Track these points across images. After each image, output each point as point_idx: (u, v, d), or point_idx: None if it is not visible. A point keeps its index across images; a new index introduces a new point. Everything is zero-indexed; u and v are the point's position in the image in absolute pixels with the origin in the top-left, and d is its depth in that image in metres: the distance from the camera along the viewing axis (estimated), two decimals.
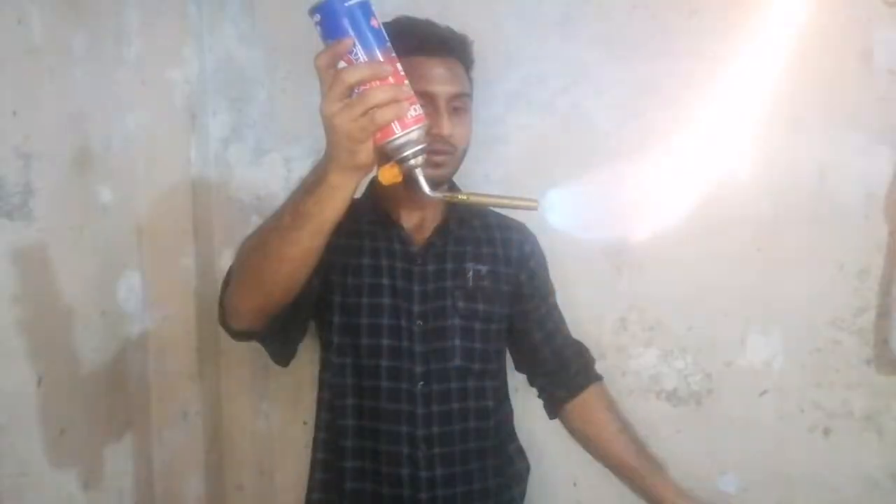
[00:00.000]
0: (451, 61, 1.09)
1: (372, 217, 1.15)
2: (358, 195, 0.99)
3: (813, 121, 1.33)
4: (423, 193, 0.84)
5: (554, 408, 1.27)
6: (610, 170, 1.37)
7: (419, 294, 1.12)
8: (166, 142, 1.35)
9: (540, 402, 1.30)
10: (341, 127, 0.75)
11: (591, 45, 1.37)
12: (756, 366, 1.37)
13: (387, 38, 0.79)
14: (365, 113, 0.74)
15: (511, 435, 1.23)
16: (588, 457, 1.41)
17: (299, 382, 1.44)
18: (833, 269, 1.34)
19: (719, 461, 1.38)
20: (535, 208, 0.87)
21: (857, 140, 1.32)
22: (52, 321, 1.10)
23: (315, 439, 1.16)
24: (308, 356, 1.25)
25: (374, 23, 0.78)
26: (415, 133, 0.79)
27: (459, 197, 0.90)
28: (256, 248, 0.92)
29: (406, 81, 0.79)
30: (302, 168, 1.43)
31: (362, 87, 0.75)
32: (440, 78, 1.06)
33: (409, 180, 0.83)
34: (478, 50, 1.16)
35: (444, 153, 1.07)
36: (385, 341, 1.10)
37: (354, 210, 0.90)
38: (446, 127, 1.06)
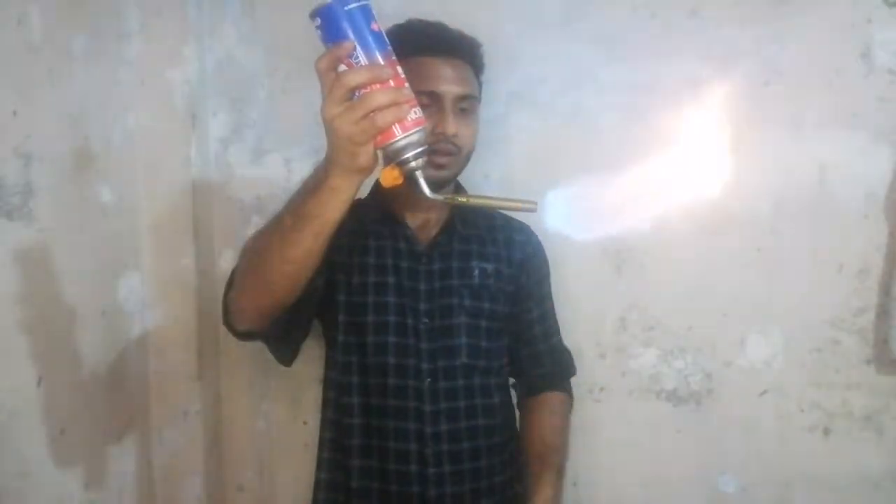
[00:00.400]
0: (459, 63, 1.10)
1: (377, 216, 1.16)
2: (363, 195, 1.00)
3: (812, 121, 1.33)
4: (424, 195, 0.84)
5: (518, 399, 1.28)
6: (610, 170, 1.37)
7: (425, 292, 1.12)
8: (166, 142, 1.35)
9: None
10: (342, 130, 0.76)
11: (592, 45, 1.37)
12: (756, 366, 1.37)
13: (387, 41, 0.80)
14: (366, 116, 0.75)
15: (516, 433, 1.23)
16: (588, 457, 1.41)
17: (299, 382, 1.44)
18: (833, 268, 1.34)
19: (719, 461, 1.38)
20: (533, 210, 0.88)
21: (857, 140, 1.32)
22: (52, 321, 1.10)
23: (320, 439, 1.17)
24: (308, 356, 1.24)
25: (374, 26, 0.78)
26: (415, 136, 0.80)
27: (459, 199, 0.91)
28: (259, 250, 0.93)
29: (406, 84, 0.80)
30: (302, 168, 1.43)
31: (363, 91, 0.76)
32: (448, 78, 1.07)
33: (410, 182, 0.83)
34: None
35: (448, 154, 1.08)
36: (391, 339, 1.11)
37: (359, 209, 0.91)
38: (451, 127, 1.06)
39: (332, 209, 0.83)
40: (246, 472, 1.48)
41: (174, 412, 1.38)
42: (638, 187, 1.37)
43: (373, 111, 0.75)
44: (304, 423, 1.46)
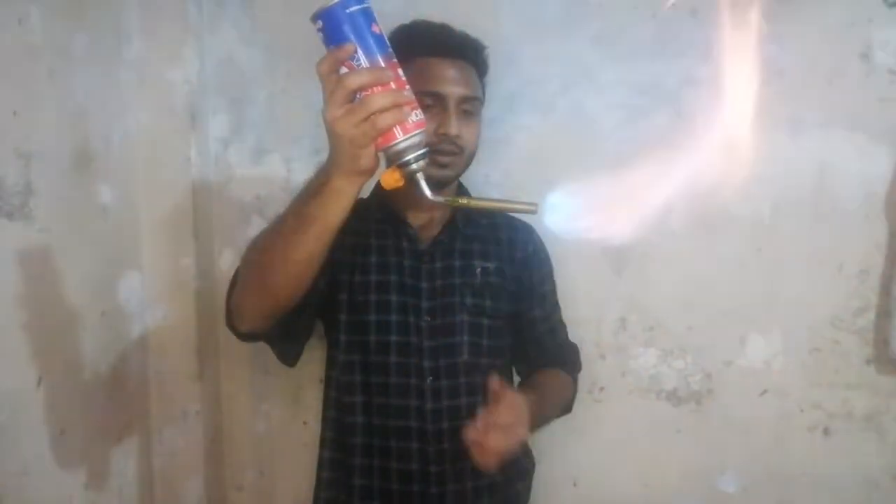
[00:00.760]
0: (463, 65, 1.11)
1: (379, 216, 1.17)
2: (366, 194, 1.00)
3: (813, 121, 1.33)
4: (425, 197, 0.85)
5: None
6: (610, 170, 1.37)
7: (427, 290, 1.13)
8: (166, 142, 1.35)
9: None
10: (344, 132, 0.76)
11: (592, 45, 1.37)
12: (756, 366, 1.37)
13: (388, 43, 0.80)
14: (367, 118, 0.76)
15: None
16: (588, 457, 1.41)
17: (299, 382, 1.44)
18: (833, 268, 1.34)
19: (719, 461, 1.38)
20: (534, 212, 0.88)
21: (857, 140, 1.31)
22: (52, 321, 1.10)
23: (322, 438, 1.17)
24: (308, 356, 1.24)
25: (375, 29, 0.78)
26: (416, 137, 0.80)
27: (460, 201, 0.91)
28: (261, 251, 0.93)
29: (408, 87, 0.80)
30: (302, 168, 1.43)
31: (364, 93, 0.76)
32: (452, 79, 1.08)
33: (412, 184, 0.84)
34: None
35: (450, 154, 1.08)
36: (393, 337, 1.11)
37: (362, 209, 0.91)
38: (454, 127, 1.07)
39: (335, 211, 0.84)
40: (246, 472, 1.48)
41: (174, 412, 1.38)
42: (638, 187, 1.37)
43: (374, 113, 0.75)
44: (305, 423, 1.46)
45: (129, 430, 1.31)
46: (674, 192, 1.37)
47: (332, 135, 0.78)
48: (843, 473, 1.34)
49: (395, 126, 0.78)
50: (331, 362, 1.18)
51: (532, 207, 0.88)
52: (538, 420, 1.09)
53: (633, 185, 1.37)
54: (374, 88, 0.76)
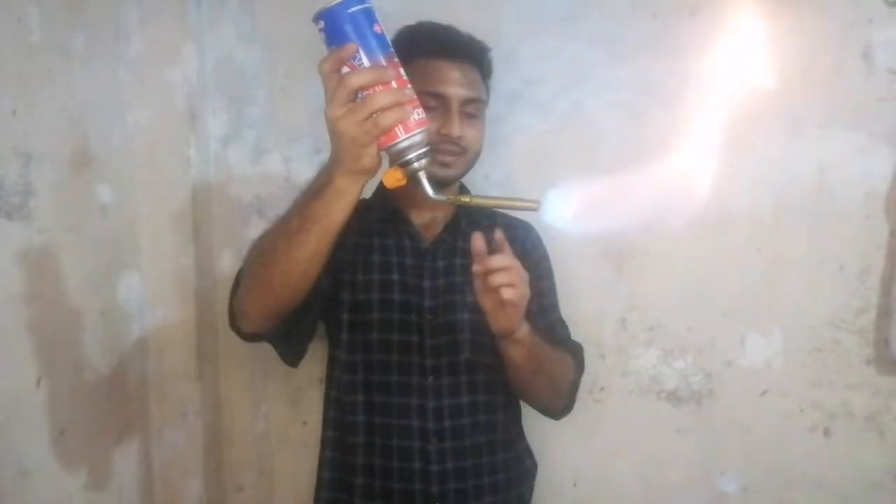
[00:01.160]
0: (467, 66, 1.11)
1: (382, 215, 1.17)
2: (368, 194, 1.00)
3: (813, 121, 1.33)
4: (427, 196, 0.85)
5: None
6: (610, 170, 1.37)
7: (429, 289, 1.13)
8: (166, 141, 1.35)
9: None
10: (346, 131, 0.77)
11: (592, 44, 1.37)
12: (756, 366, 1.37)
13: (390, 43, 0.81)
14: (368, 117, 0.76)
15: (520, 432, 1.24)
16: (588, 457, 1.41)
17: (299, 382, 1.44)
18: (833, 268, 1.33)
19: (719, 461, 1.38)
20: (535, 209, 0.89)
21: (858, 140, 1.31)
22: (51, 321, 1.10)
23: (323, 437, 1.17)
24: (307, 356, 1.24)
25: (377, 28, 0.79)
26: (418, 136, 0.81)
27: (462, 199, 0.92)
28: (264, 252, 0.94)
29: (409, 86, 0.81)
30: (302, 167, 1.43)
31: (366, 92, 0.77)
32: (455, 81, 1.08)
33: (414, 183, 0.84)
34: None
35: (452, 154, 1.09)
36: (395, 336, 1.11)
37: (364, 208, 0.91)
38: (456, 128, 1.07)
39: (337, 210, 0.84)
40: (246, 472, 1.48)
41: (174, 412, 1.37)
42: (638, 187, 1.37)
43: (376, 112, 0.76)
44: (304, 423, 1.45)
45: (129, 430, 1.30)
46: (674, 191, 1.37)
47: (334, 134, 0.79)
48: (843, 474, 1.34)
49: (396, 125, 0.78)
50: (332, 362, 1.18)
51: (534, 205, 0.88)
52: (536, 354, 1.02)
53: (633, 184, 1.37)
54: (376, 87, 0.77)
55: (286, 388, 1.46)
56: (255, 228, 1.42)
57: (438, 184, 0.98)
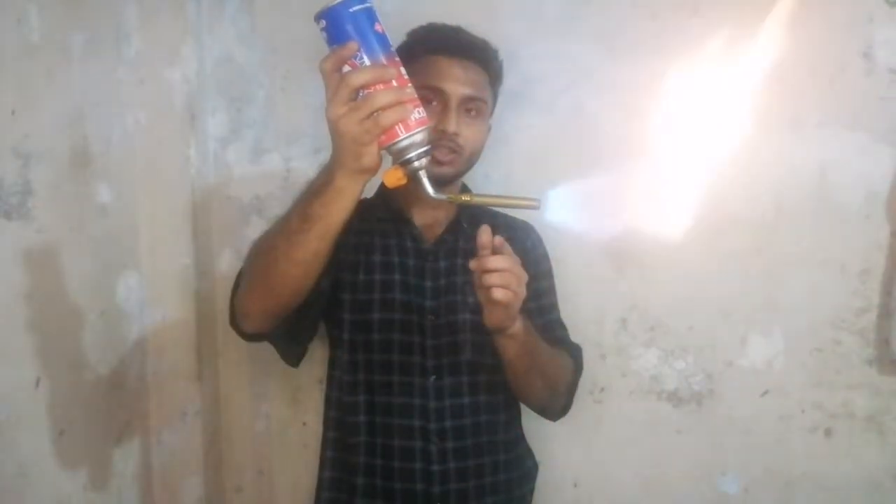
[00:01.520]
0: (472, 66, 1.11)
1: (383, 215, 1.17)
2: (369, 194, 1.00)
3: (813, 121, 1.33)
4: (428, 195, 0.85)
5: None
6: (610, 170, 1.36)
7: (431, 289, 1.13)
8: (165, 141, 1.35)
9: None
10: (347, 130, 0.77)
11: (592, 44, 1.37)
12: (757, 366, 1.37)
13: (390, 43, 0.81)
14: (369, 115, 0.76)
15: (521, 433, 1.24)
16: (588, 457, 1.41)
17: (299, 383, 1.44)
18: (834, 269, 1.33)
19: (720, 461, 1.38)
20: (536, 207, 0.89)
21: (858, 140, 1.31)
22: (50, 321, 1.10)
23: (324, 437, 1.17)
24: (307, 357, 1.24)
25: (378, 28, 0.79)
26: (418, 135, 0.81)
27: (463, 198, 0.92)
28: (265, 251, 0.94)
29: (410, 85, 0.81)
30: (301, 167, 1.43)
31: (367, 91, 0.77)
32: (456, 78, 1.08)
33: (415, 182, 0.84)
34: None
35: (448, 151, 1.08)
36: (397, 336, 1.11)
37: (366, 208, 0.91)
38: (453, 125, 1.07)
39: (338, 210, 0.84)
40: (245, 472, 1.48)
41: (173, 413, 1.37)
42: (638, 187, 1.37)
43: (376, 111, 0.76)
44: (304, 423, 1.45)
45: (129, 430, 1.30)
46: (674, 192, 1.37)
47: (335, 133, 0.79)
48: (844, 474, 1.34)
49: (397, 123, 0.78)
50: (333, 362, 1.18)
51: (535, 203, 0.88)
52: (530, 351, 1.02)
53: (633, 184, 1.37)
54: (377, 86, 0.77)
55: (286, 389, 1.46)
56: (255, 228, 1.42)
57: (438, 183, 0.98)
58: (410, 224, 1.17)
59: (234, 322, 1.05)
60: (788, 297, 1.35)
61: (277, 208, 1.42)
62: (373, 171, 0.82)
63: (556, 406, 1.18)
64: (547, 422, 1.26)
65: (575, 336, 1.30)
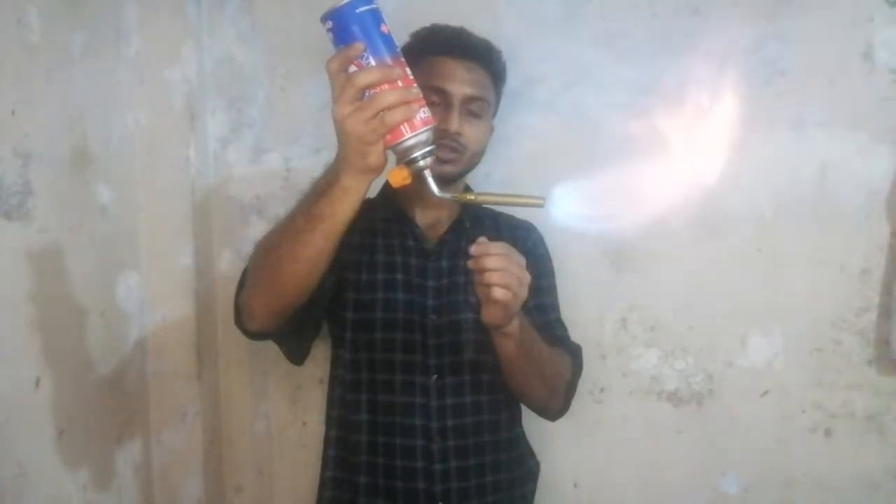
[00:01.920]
0: (474, 66, 1.12)
1: (386, 215, 1.18)
2: (373, 194, 1.00)
3: (813, 121, 1.33)
4: (432, 194, 0.86)
5: None
6: (610, 169, 1.36)
7: (433, 289, 1.14)
8: (165, 141, 1.35)
9: None
10: (353, 129, 0.78)
11: (592, 44, 1.37)
12: (757, 366, 1.37)
13: (396, 43, 0.81)
14: (375, 115, 0.77)
15: (523, 432, 1.24)
16: (588, 458, 1.41)
17: (299, 383, 1.44)
18: (834, 269, 1.33)
19: (720, 461, 1.38)
20: (541, 205, 0.89)
21: (859, 140, 1.31)
22: (51, 321, 1.10)
23: (326, 436, 1.18)
24: (308, 356, 1.24)
25: (384, 28, 0.80)
26: (424, 135, 0.82)
27: (468, 197, 0.93)
28: (270, 250, 0.94)
29: (415, 85, 0.82)
30: (302, 168, 1.43)
31: (372, 91, 0.77)
32: (459, 78, 1.09)
33: (419, 181, 0.85)
34: None
35: (450, 150, 1.09)
36: (399, 335, 1.12)
37: (369, 208, 0.92)
38: (454, 124, 1.08)
39: (343, 209, 0.85)
40: (245, 472, 1.48)
41: (173, 412, 1.37)
42: (638, 187, 1.37)
43: (382, 110, 0.77)
44: (304, 423, 1.45)
45: (129, 430, 1.30)
46: (674, 191, 1.37)
47: (341, 132, 0.79)
48: (844, 474, 1.34)
49: (403, 123, 0.79)
50: (336, 360, 1.18)
51: (539, 201, 0.89)
52: (527, 349, 1.02)
53: (634, 184, 1.37)
54: (383, 86, 0.78)
55: (286, 388, 1.46)
56: (255, 228, 1.42)
57: (441, 181, 0.98)
58: (413, 224, 1.17)
59: (239, 321, 1.05)
60: (788, 297, 1.35)
61: (278, 208, 1.42)
62: (378, 170, 0.82)
63: (555, 406, 1.18)
64: (547, 422, 1.26)
65: (575, 336, 1.30)
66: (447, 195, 0.90)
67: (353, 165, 0.81)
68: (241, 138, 1.45)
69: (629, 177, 1.36)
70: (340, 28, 0.78)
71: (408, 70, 0.81)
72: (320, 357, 1.27)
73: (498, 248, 0.88)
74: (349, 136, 0.78)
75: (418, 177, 0.84)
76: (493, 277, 0.87)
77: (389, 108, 0.77)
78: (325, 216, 0.85)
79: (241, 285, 1.04)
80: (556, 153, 1.39)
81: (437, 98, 1.07)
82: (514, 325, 0.96)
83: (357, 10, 0.78)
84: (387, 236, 1.16)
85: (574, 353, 1.21)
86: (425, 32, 1.14)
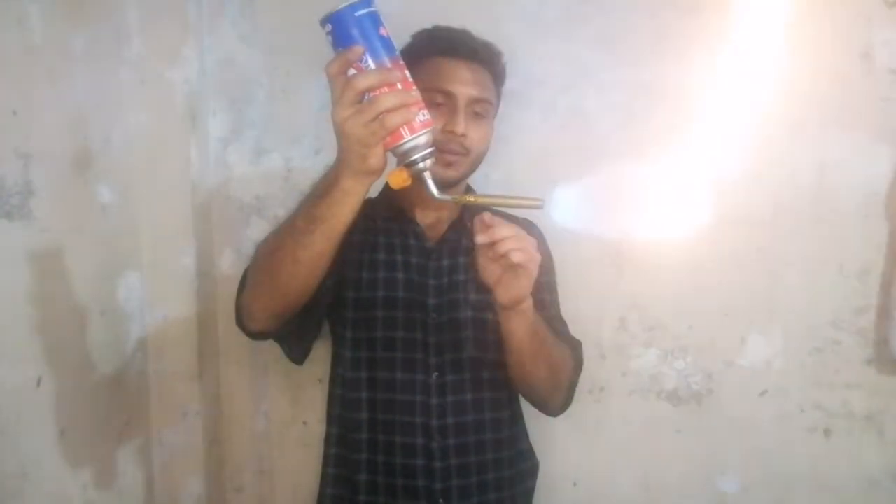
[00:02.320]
0: (478, 68, 1.12)
1: (387, 214, 1.18)
2: (374, 194, 1.01)
3: (813, 121, 1.33)
4: (432, 196, 0.86)
5: None
6: (610, 170, 1.37)
7: (434, 288, 1.14)
8: (166, 142, 1.35)
9: None
10: (352, 132, 0.78)
11: (592, 45, 1.38)
12: (756, 366, 1.37)
13: (395, 46, 0.82)
14: (375, 118, 0.77)
15: (523, 430, 1.24)
16: (588, 457, 1.41)
17: (299, 382, 1.44)
18: (833, 268, 1.34)
19: (719, 461, 1.38)
20: (540, 207, 0.89)
21: (858, 140, 1.32)
22: (52, 321, 1.10)
23: (327, 434, 1.18)
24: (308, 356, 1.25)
25: (382, 31, 0.80)
26: (423, 137, 0.82)
27: (467, 199, 0.93)
28: (271, 251, 0.95)
29: (414, 88, 0.82)
30: (302, 168, 1.43)
31: (372, 94, 0.78)
32: (463, 80, 1.09)
33: (419, 183, 0.85)
34: None
35: (456, 153, 1.09)
36: (400, 333, 1.12)
37: (369, 207, 0.92)
38: (461, 126, 1.08)
39: (344, 211, 0.85)
40: (246, 472, 1.48)
41: (174, 412, 1.37)
42: (638, 187, 1.37)
43: (382, 113, 0.77)
44: (304, 423, 1.45)
45: (129, 429, 1.30)
46: (674, 191, 1.37)
47: (341, 135, 0.79)
48: (843, 474, 1.34)
49: (402, 126, 0.79)
50: (336, 359, 1.19)
51: (538, 203, 0.89)
52: (538, 332, 1.01)
53: (633, 184, 1.37)
54: (382, 89, 0.78)
55: (286, 388, 1.46)
56: (256, 228, 1.42)
57: (444, 184, 0.98)
58: (413, 223, 1.18)
59: (240, 321, 1.06)
60: (788, 296, 1.35)
61: (278, 209, 1.42)
62: (378, 172, 0.83)
63: (558, 399, 1.17)
64: (547, 421, 1.26)
65: (574, 335, 1.31)
66: (446, 197, 0.90)
67: (352, 168, 0.81)
68: (242, 139, 1.45)
69: (629, 177, 1.37)
70: (340, 31, 0.79)
71: (407, 73, 0.81)
72: (320, 356, 1.27)
73: (502, 221, 0.88)
74: (349, 138, 0.79)
75: (418, 178, 0.85)
76: (508, 244, 0.87)
77: (389, 110, 0.77)
78: (326, 218, 0.86)
79: (242, 286, 1.04)
80: (555, 153, 1.39)
81: (442, 100, 1.07)
82: (530, 303, 0.96)
83: (356, 14, 0.78)
84: (387, 235, 1.17)
85: (575, 348, 1.21)
86: (427, 33, 1.14)
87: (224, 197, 1.45)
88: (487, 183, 1.38)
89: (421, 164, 0.83)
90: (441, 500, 1.09)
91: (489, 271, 0.91)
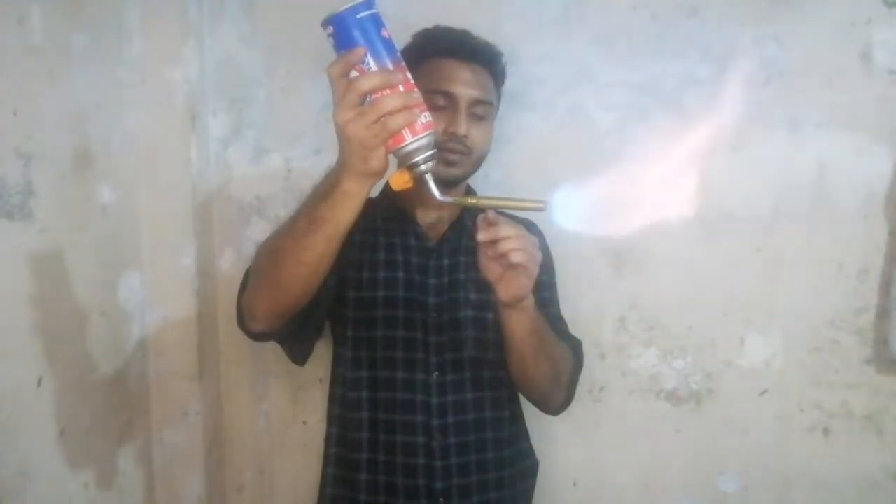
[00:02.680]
0: (478, 69, 1.12)
1: (387, 213, 1.18)
2: (374, 194, 1.01)
3: (812, 121, 1.33)
4: (434, 197, 0.86)
5: None
6: (610, 170, 1.37)
7: (434, 287, 1.14)
8: (166, 142, 1.35)
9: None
10: (354, 134, 0.78)
11: (592, 45, 1.38)
12: (756, 365, 1.37)
13: (396, 48, 0.82)
14: (377, 120, 0.77)
15: (523, 429, 1.24)
16: (588, 457, 1.41)
17: (299, 382, 1.44)
18: (833, 268, 1.34)
19: (719, 461, 1.39)
20: (542, 209, 0.89)
21: (857, 140, 1.32)
22: (52, 321, 1.10)
23: (327, 434, 1.18)
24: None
25: (384, 33, 0.80)
26: (425, 139, 0.82)
27: (469, 200, 0.92)
28: (272, 253, 0.94)
29: (416, 89, 0.82)
30: (302, 168, 1.43)
31: (374, 96, 0.78)
32: (465, 81, 1.09)
33: (421, 185, 0.85)
34: None
35: (458, 153, 1.09)
36: (400, 333, 1.12)
37: (370, 207, 0.92)
38: (463, 127, 1.08)
39: (345, 212, 0.85)
40: (246, 472, 1.48)
41: (174, 412, 1.38)
42: (638, 187, 1.37)
43: (384, 115, 0.77)
44: (304, 423, 1.46)
45: (130, 429, 1.31)
46: (674, 191, 1.37)
47: (343, 137, 0.79)
48: (842, 473, 1.35)
49: (404, 128, 0.79)
50: (337, 359, 1.19)
51: (540, 205, 0.89)
52: (539, 329, 1.02)
53: (633, 184, 1.37)
54: (384, 91, 0.78)
55: (286, 388, 1.46)
56: (256, 228, 1.42)
57: (446, 184, 0.98)
58: (414, 223, 1.18)
59: (241, 322, 1.05)
60: (787, 296, 1.35)
61: (278, 209, 1.42)
62: (380, 174, 0.82)
63: (558, 398, 1.17)
64: (546, 421, 1.26)
65: (574, 335, 1.31)
66: (448, 198, 0.90)
67: (354, 169, 0.81)
68: (242, 139, 1.45)
69: (628, 177, 1.36)
70: (341, 33, 0.79)
71: (408, 74, 0.81)
72: (321, 356, 1.27)
73: (505, 220, 0.89)
74: (351, 141, 0.78)
75: (420, 180, 0.85)
76: (509, 243, 0.87)
77: (391, 112, 0.77)
78: (327, 219, 0.86)
79: (244, 287, 1.04)
80: (555, 153, 1.40)
81: (444, 101, 1.08)
82: (532, 300, 0.96)
83: (357, 16, 0.78)
84: (388, 235, 1.17)
85: (575, 347, 1.21)
86: (428, 34, 1.14)
87: (224, 197, 1.45)
88: (487, 183, 1.38)
89: (423, 167, 0.83)
90: (442, 499, 1.10)
91: (491, 269, 0.91)
